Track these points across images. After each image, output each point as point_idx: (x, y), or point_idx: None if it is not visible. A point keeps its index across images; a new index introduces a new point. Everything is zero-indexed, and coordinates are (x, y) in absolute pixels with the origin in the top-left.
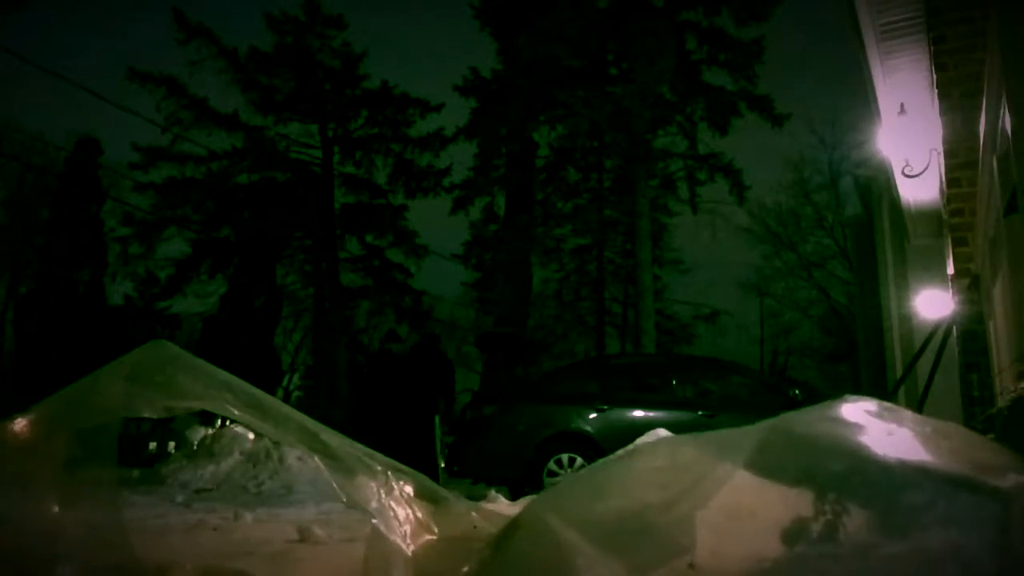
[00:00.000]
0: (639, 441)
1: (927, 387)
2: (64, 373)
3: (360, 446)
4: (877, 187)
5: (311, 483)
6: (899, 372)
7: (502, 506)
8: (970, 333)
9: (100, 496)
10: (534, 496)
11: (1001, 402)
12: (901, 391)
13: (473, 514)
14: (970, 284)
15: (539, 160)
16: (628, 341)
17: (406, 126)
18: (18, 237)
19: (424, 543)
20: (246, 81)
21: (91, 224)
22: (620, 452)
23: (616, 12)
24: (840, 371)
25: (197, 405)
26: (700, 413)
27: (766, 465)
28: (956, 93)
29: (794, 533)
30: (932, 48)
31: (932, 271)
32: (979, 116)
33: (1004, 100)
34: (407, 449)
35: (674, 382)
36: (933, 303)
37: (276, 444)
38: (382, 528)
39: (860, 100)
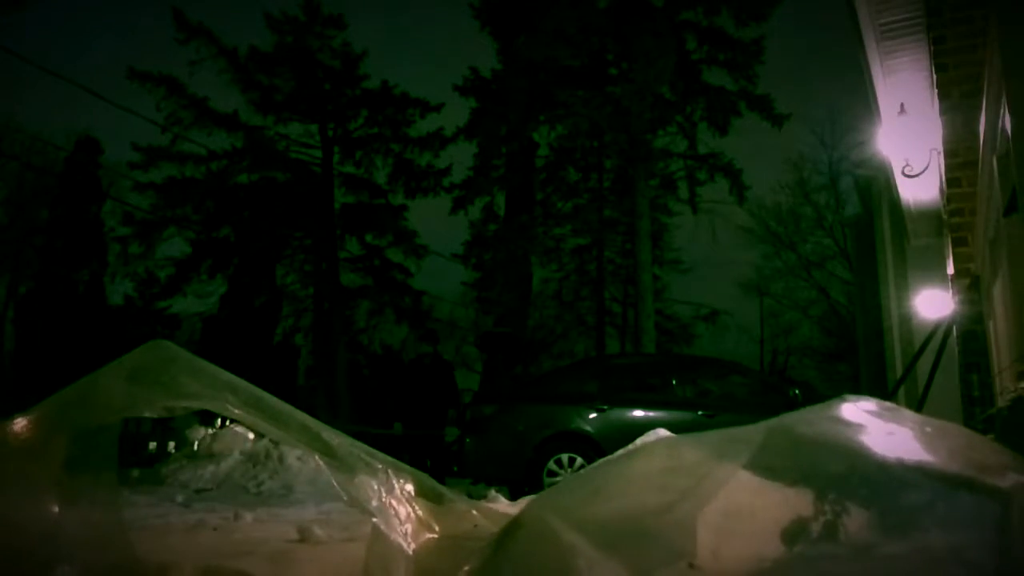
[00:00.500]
0: (639, 441)
1: (927, 387)
2: (64, 373)
3: (361, 444)
4: (877, 187)
5: (311, 483)
6: (899, 372)
7: (502, 506)
8: (970, 333)
9: (100, 496)
10: (534, 496)
11: (1001, 402)
12: (901, 391)
13: (474, 513)
14: (970, 284)
15: (539, 160)
16: (628, 341)
17: (406, 126)
18: (18, 237)
19: (425, 542)
20: (246, 81)
21: (91, 224)
22: (620, 452)
23: (616, 12)
24: (840, 371)
25: (197, 405)
26: (700, 413)
27: (766, 465)
28: (956, 93)
29: (794, 533)
30: (932, 48)
31: (932, 271)
32: (979, 116)
33: (1004, 100)
34: (419, 457)
35: (674, 382)
36: (933, 303)
37: (276, 444)
38: (383, 527)
39: (860, 100)
